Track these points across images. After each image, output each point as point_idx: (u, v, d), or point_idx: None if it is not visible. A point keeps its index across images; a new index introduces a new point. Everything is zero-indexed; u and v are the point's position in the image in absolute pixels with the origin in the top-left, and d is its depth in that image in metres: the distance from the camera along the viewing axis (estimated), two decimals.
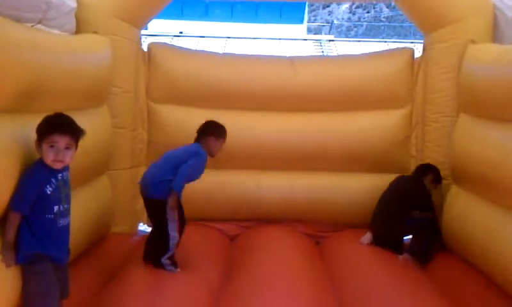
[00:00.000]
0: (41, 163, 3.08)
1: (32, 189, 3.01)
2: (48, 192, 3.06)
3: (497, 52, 4.37)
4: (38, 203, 3.04)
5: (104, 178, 4.96)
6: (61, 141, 3.07)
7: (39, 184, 3.04)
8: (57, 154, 3.06)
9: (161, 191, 4.24)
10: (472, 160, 4.38)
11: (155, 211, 4.33)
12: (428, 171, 5.03)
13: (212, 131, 4.48)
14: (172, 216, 4.25)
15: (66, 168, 3.22)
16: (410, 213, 4.90)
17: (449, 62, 5.00)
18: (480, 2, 4.89)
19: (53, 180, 3.09)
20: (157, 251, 4.31)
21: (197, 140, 4.48)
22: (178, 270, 4.27)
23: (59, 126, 3.08)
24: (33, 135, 3.08)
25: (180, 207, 4.35)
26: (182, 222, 4.37)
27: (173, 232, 4.26)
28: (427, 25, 5.23)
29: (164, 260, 4.26)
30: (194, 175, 4.39)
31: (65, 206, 3.19)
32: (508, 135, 3.91)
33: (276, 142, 5.46)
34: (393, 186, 5.07)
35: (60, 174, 3.15)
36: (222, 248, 5.11)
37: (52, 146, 3.05)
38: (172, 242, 4.27)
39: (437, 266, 4.62)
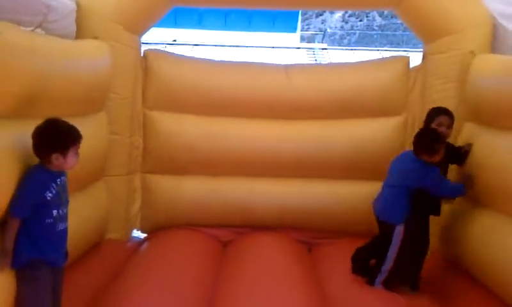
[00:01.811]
0: (41, 167, 3.10)
1: (32, 194, 3.03)
2: (48, 198, 3.08)
3: (504, 62, 4.39)
4: (38, 207, 3.05)
5: (100, 184, 4.96)
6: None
7: (39, 189, 3.05)
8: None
9: (391, 215, 4.29)
10: (478, 168, 4.35)
11: (383, 232, 4.36)
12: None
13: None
14: (397, 242, 4.24)
15: (64, 173, 3.24)
16: None
17: (448, 72, 5.01)
18: (480, 14, 4.92)
19: (53, 185, 3.11)
20: (370, 268, 4.37)
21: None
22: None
23: (78, 133, 3.21)
24: (30, 141, 3.09)
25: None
26: (405, 251, 4.27)
27: (390, 257, 4.25)
28: (427, 34, 5.24)
29: (378, 284, 4.27)
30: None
31: (64, 210, 3.21)
32: None
33: (270, 149, 5.46)
34: None
35: (59, 179, 3.16)
36: (215, 253, 5.12)
37: (77, 153, 3.19)
38: (385, 267, 4.26)
39: (435, 276, 4.59)
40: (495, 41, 4.87)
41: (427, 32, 5.23)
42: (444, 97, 5.05)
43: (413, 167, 4.29)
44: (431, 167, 4.23)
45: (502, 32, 4.79)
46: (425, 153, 4.22)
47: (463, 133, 4.76)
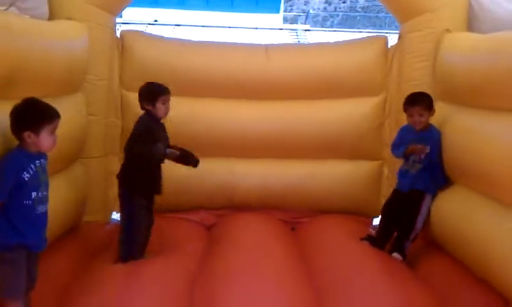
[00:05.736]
0: (19, 149, 3.07)
1: (10, 176, 2.98)
2: (26, 179, 3.03)
3: (474, 40, 4.42)
4: (16, 189, 3.00)
5: (78, 166, 4.91)
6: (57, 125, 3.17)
7: (17, 170, 3.01)
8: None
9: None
10: (447, 145, 4.39)
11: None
12: None
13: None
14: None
15: (44, 155, 3.19)
16: None
17: (424, 51, 5.04)
18: None
19: (32, 166, 3.07)
20: (400, 235, 4.51)
21: None
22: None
23: (55, 113, 3.15)
24: (7, 123, 3.04)
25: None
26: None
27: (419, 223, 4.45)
28: (403, 13, 5.26)
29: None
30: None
31: (44, 193, 3.16)
32: (483, 121, 3.97)
33: (250, 130, 5.45)
34: None
35: (38, 161, 3.12)
36: (199, 237, 5.08)
37: (53, 133, 3.12)
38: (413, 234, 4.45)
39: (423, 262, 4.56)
40: (474, 20, 4.88)
41: (402, 10, 5.24)
42: (419, 75, 5.10)
43: None
44: None
45: (479, 11, 4.80)
46: None
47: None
